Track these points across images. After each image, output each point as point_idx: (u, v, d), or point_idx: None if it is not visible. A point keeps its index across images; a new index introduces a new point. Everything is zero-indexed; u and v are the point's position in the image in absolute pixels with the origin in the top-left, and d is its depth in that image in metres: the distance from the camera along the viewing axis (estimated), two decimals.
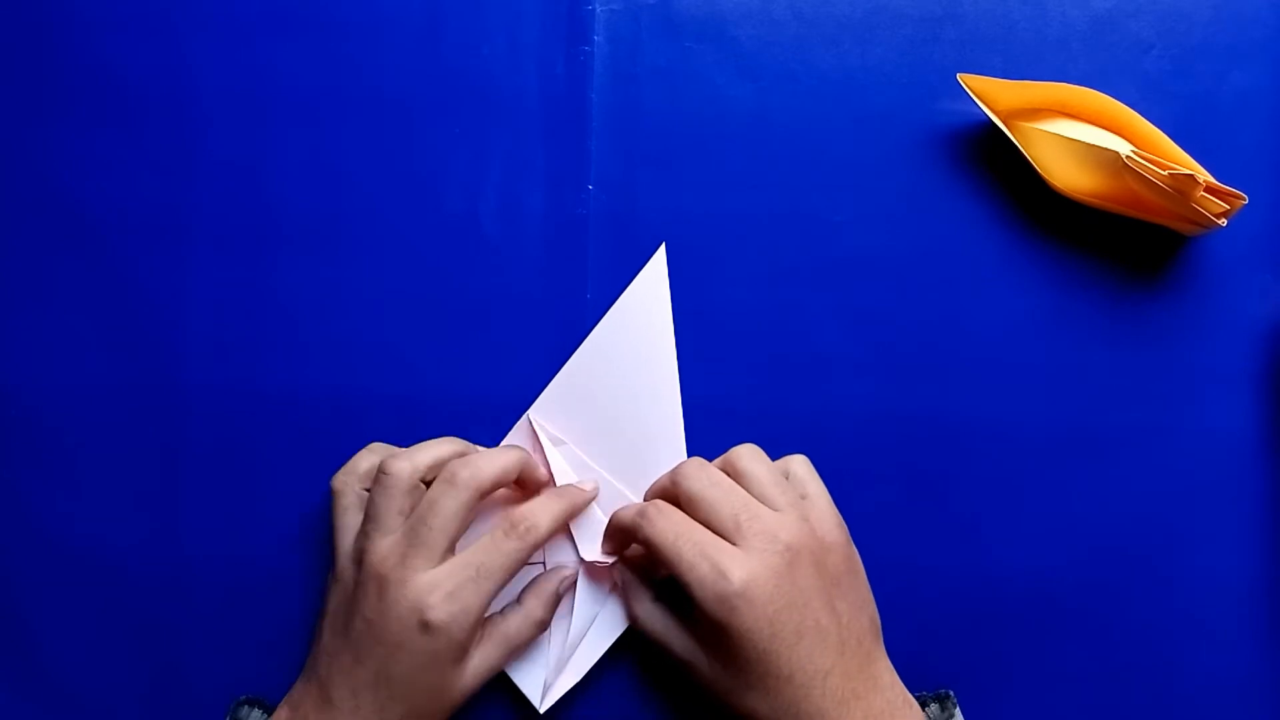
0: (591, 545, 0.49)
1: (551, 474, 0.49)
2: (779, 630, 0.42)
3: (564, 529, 0.48)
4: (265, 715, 0.46)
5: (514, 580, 0.46)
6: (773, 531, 0.43)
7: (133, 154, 0.51)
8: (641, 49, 0.51)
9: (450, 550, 0.44)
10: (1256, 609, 0.49)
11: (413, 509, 0.45)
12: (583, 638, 0.48)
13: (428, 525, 0.43)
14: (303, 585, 0.49)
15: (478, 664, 0.45)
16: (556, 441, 0.49)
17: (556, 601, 0.48)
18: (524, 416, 0.50)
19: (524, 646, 0.47)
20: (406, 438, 0.49)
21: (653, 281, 0.50)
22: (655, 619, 0.46)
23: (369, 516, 0.45)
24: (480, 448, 0.48)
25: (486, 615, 0.45)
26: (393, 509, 0.44)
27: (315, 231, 0.51)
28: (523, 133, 0.51)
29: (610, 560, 0.48)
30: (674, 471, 0.46)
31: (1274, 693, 0.49)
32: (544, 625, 0.47)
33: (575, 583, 0.48)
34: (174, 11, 0.52)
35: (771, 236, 0.50)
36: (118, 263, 0.51)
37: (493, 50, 0.51)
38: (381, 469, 0.45)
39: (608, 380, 0.50)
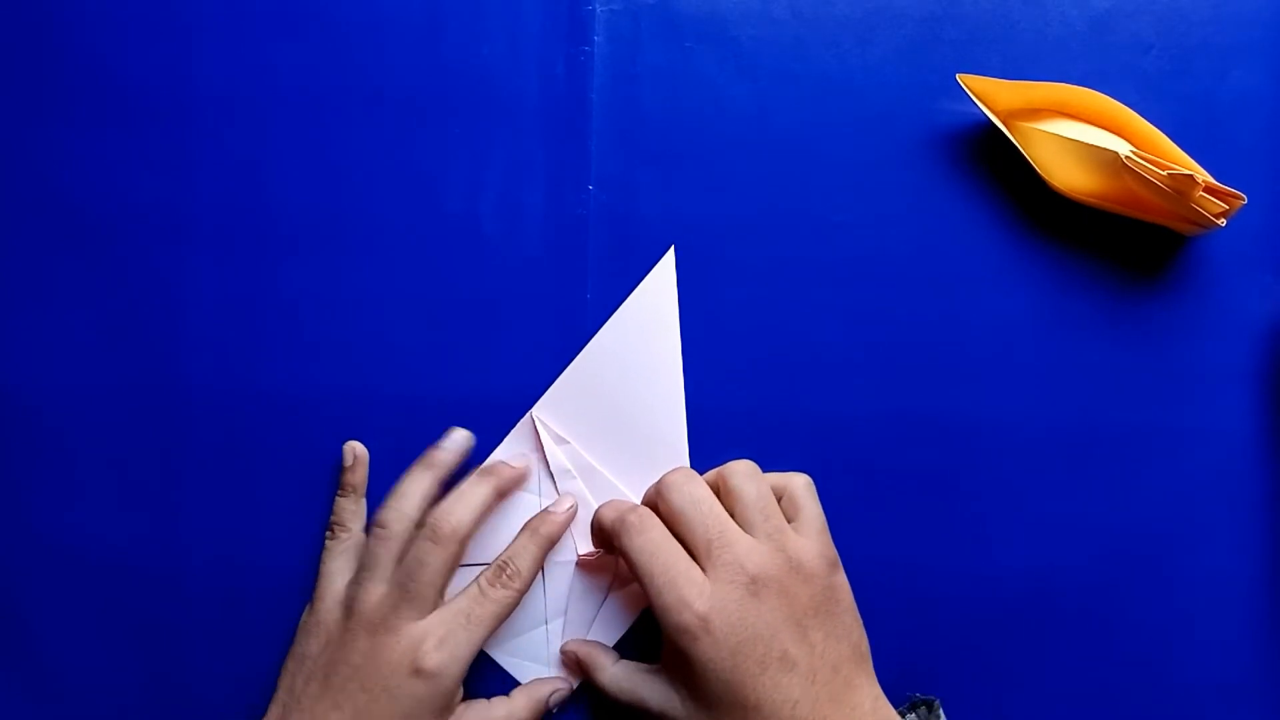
0: (587, 541, 0.49)
1: (552, 474, 0.49)
2: (740, 661, 0.41)
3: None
4: None
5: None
6: (740, 561, 0.42)
7: (133, 154, 0.51)
8: (641, 49, 0.51)
9: (440, 597, 0.46)
10: (1256, 609, 0.49)
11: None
12: (587, 636, 0.48)
13: (416, 580, 0.45)
14: (302, 585, 0.49)
15: None
16: (559, 440, 0.49)
17: (546, 710, 0.47)
18: (527, 414, 0.50)
19: None
20: (406, 438, 0.49)
21: (661, 283, 0.50)
22: (621, 679, 0.46)
23: (365, 565, 0.46)
24: (449, 448, 0.48)
25: (474, 699, 0.46)
26: (390, 558, 0.46)
27: (315, 231, 0.51)
28: (523, 133, 0.51)
29: (600, 552, 0.48)
30: (660, 481, 0.45)
31: (1274, 693, 0.49)
32: None
33: (568, 693, 0.48)
34: (174, 11, 0.52)
35: (771, 237, 0.50)
36: (118, 263, 0.51)
37: (493, 50, 0.51)
38: (377, 522, 0.46)
39: (613, 380, 0.50)
